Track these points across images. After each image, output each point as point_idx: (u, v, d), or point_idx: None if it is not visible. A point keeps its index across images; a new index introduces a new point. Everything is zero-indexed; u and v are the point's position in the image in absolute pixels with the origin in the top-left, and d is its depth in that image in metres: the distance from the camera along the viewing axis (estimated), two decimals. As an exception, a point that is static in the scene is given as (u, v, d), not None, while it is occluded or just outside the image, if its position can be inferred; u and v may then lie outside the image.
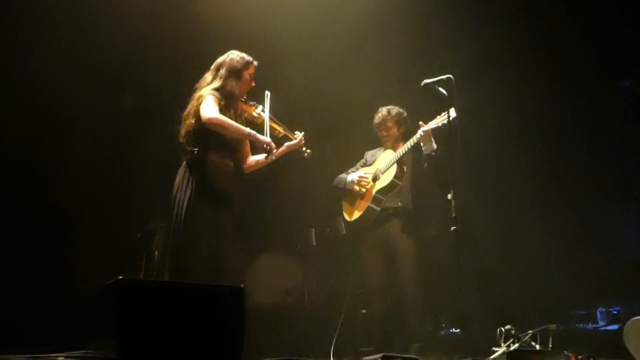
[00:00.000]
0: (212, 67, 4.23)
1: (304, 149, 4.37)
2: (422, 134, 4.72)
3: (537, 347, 4.04)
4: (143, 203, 5.45)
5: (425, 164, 4.82)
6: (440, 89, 4.39)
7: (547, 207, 5.98)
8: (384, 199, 4.91)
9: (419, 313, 4.79)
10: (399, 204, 4.91)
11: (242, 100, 4.25)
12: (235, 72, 4.16)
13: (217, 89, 4.09)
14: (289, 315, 5.61)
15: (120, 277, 2.66)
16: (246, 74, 4.20)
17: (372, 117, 5.21)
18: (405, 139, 5.07)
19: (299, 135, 4.35)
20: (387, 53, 6.07)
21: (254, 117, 4.28)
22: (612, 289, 5.75)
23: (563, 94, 6.15)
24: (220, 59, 4.22)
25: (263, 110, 4.28)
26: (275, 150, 4.15)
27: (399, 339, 4.78)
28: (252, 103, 4.30)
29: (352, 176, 5.12)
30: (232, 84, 4.14)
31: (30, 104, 5.07)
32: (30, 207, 4.96)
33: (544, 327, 4.13)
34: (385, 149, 5.13)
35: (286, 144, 4.34)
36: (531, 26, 6.11)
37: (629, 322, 4.11)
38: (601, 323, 5.71)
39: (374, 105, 5.27)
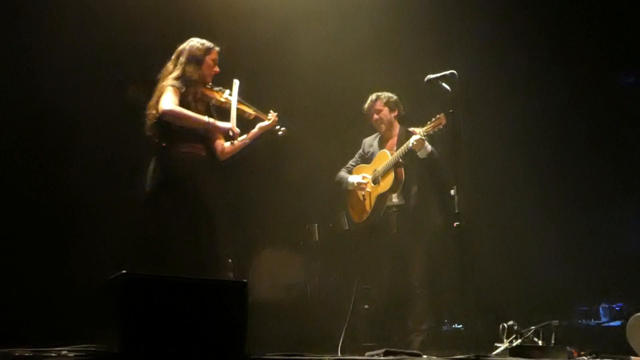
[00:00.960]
0: (173, 55, 4.21)
1: (277, 127, 4.35)
2: (415, 142, 4.71)
3: (540, 343, 4.04)
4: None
5: (420, 162, 4.81)
6: (444, 84, 4.39)
7: (551, 203, 5.98)
8: (387, 200, 4.93)
9: (422, 309, 4.80)
10: (403, 201, 4.91)
11: (207, 87, 4.22)
12: (195, 59, 4.15)
13: (177, 78, 4.08)
14: (292, 310, 5.62)
15: (124, 271, 2.66)
16: (208, 60, 4.19)
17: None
18: (400, 123, 5.07)
19: (272, 116, 4.34)
20: (391, 48, 6.06)
21: (222, 102, 4.25)
22: (615, 285, 5.74)
23: (567, 90, 6.13)
24: (180, 47, 4.22)
25: (230, 94, 4.25)
26: (239, 136, 4.14)
27: (402, 334, 4.79)
28: (218, 88, 4.26)
29: (352, 179, 5.15)
30: (192, 70, 4.11)
31: (34, 99, 5.06)
32: (34, 202, 4.97)
33: (547, 323, 4.13)
34: (382, 137, 5.13)
35: (258, 125, 4.34)
36: (535, 22, 6.09)
37: (631, 318, 4.11)
38: (604, 319, 5.71)
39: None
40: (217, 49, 4.24)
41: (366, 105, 5.16)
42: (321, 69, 5.94)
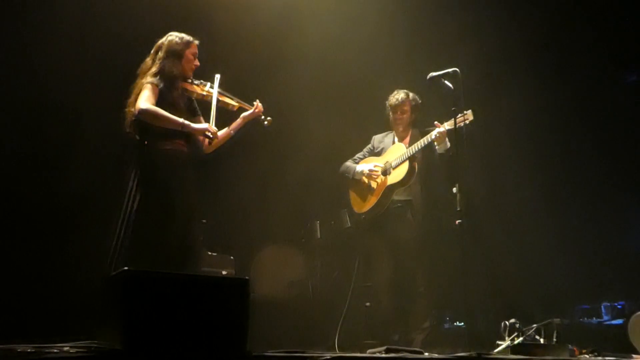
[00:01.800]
0: (152, 50, 4.16)
1: (262, 117, 4.30)
2: (438, 135, 4.68)
3: (542, 341, 4.04)
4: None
5: (436, 156, 4.79)
6: (446, 82, 4.39)
7: (553, 201, 5.97)
8: (393, 193, 4.91)
9: (424, 306, 4.80)
10: (408, 197, 4.90)
11: (188, 82, 4.17)
12: (174, 53, 4.08)
13: (155, 74, 4.01)
14: (293, 307, 5.62)
15: (125, 268, 2.66)
16: (188, 54, 4.12)
17: (376, 108, 5.20)
18: (414, 126, 5.06)
19: (256, 104, 4.27)
20: (393, 45, 6.05)
21: (204, 95, 4.20)
22: (617, 283, 5.73)
23: (569, 87, 6.12)
24: (159, 41, 4.16)
25: (212, 87, 4.20)
26: (216, 134, 4.06)
27: (403, 332, 4.79)
28: (198, 82, 4.20)
29: (361, 167, 5.10)
30: (170, 65, 4.04)
31: (34, 97, 5.06)
32: (35, 198, 4.96)
33: (548, 321, 4.12)
34: (395, 133, 5.11)
35: (242, 115, 4.28)
36: (538, 20, 6.08)
37: (633, 317, 4.12)
38: (605, 317, 5.70)
39: (380, 94, 5.25)
40: (196, 42, 4.17)
41: (394, 101, 5.08)
42: (324, 66, 5.94)
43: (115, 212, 5.06)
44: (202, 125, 4.07)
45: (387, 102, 5.14)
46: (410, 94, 5.07)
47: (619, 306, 5.67)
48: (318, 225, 6.02)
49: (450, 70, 4.37)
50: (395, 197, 4.91)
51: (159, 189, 3.91)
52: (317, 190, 6.08)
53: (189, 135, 4.08)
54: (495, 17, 6.03)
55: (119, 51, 5.30)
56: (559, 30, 6.07)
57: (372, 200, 4.98)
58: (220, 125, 4.18)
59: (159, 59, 4.06)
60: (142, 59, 4.68)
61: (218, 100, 4.14)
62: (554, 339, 4.05)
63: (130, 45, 5.29)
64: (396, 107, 5.07)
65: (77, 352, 2.65)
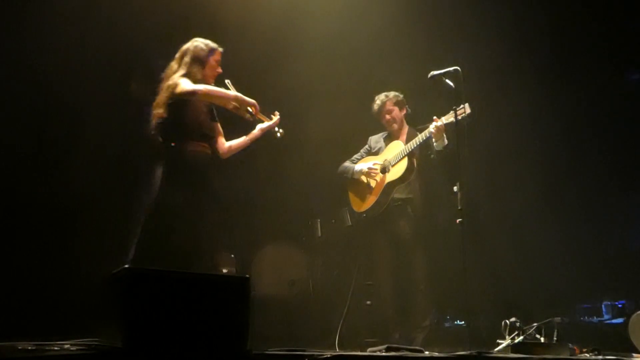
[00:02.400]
0: (177, 55, 4.23)
1: (276, 129, 4.40)
2: (434, 130, 4.68)
3: (542, 339, 4.03)
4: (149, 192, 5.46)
5: (433, 156, 4.80)
6: (448, 80, 4.38)
7: (554, 200, 5.97)
8: (393, 191, 4.90)
9: (424, 305, 4.80)
10: (409, 195, 4.90)
11: None
12: (199, 59, 4.17)
13: (183, 76, 4.10)
14: (294, 305, 5.63)
15: (127, 266, 2.67)
16: (212, 60, 4.21)
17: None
18: (409, 123, 5.06)
19: (274, 117, 4.39)
20: (394, 44, 6.04)
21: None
22: (618, 282, 5.74)
23: (571, 86, 6.11)
24: (184, 47, 4.24)
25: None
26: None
27: (404, 330, 4.79)
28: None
29: (360, 166, 5.10)
30: (195, 70, 4.14)
31: (36, 95, 5.07)
32: (37, 197, 4.97)
33: (549, 319, 4.12)
34: (390, 135, 5.12)
35: (259, 126, 4.39)
36: (539, 18, 6.07)
37: (634, 316, 4.11)
38: (606, 316, 5.71)
39: (380, 92, 5.25)
40: (220, 49, 4.27)
41: (376, 107, 5.13)
42: (325, 64, 5.93)
43: (114, 211, 5.10)
44: (250, 99, 4.15)
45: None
46: (390, 94, 5.11)
47: (619, 305, 5.68)
48: (319, 223, 6.02)
49: (451, 69, 4.37)
50: (396, 195, 4.91)
51: (190, 189, 4.00)
52: (318, 189, 6.08)
53: (210, 139, 4.23)
54: (496, 15, 6.01)
55: (120, 50, 5.32)
56: (561, 29, 6.06)
57: (372, 199, 4.98)
58: (229, 131, 4.34)
59: (185, 64, 4.16)
60: (143, 59, 4.72)
61: (238, 109, 4.21)
62: (555, 338, 4.05)
63: (132, 44, 5.31)
64: (380, 111, 5.12)
65: (78, 349, 2.66)
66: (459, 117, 4.44)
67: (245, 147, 4.41)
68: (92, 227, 5.06)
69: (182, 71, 4.13)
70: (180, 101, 4.04)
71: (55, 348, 2.68)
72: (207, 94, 4.05)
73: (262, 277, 5.60)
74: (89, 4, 5.16)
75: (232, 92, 4.12)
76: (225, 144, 4.37)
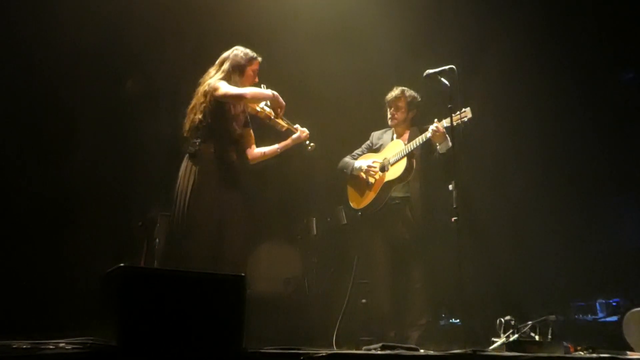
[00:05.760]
0: (217, 62, 4.28)
1: (307, 142, 4.45)
2: (434, 131, 4.66)
3: (537, 338, 4.05)
4: (144, 191, 5.46)
5: (437, 155, 4.78)
6: (443, 79, 4.39)
7: (549, 198, 5.98)
8: (391, 190, 4.91)
9: (420, 303, 4.81)
10: (406, 194, 4.90)
11: None
12: (238, 68, 4.22)
13: (221, 79, 4.16)
14: (289, 304, 5.62)
15: (122, 264, 2.66)
16: (249, 70, 4.25)
17: (374, 105, 5.20)
18: (413, 124, 5.05)
19: (303, 130, 4.44)
20: (393, 41, 6.04)
21: (257, 111, 4.36)
22: (612, 280, 5.76)
23: (564, 86, 6.13)
24: (224, 54, 4.28)
25: (267, 105, 4.35)
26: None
27: (399, 328, 4.79)
28: None
29: (359, 163, 5.10)
30: (235, 79, 4.19)
31: (32, 92, 5.06)
32: (32, 195, 4.97)
33: (544, 318, 4.13)
34: (393, 132, 5.12)
35: (292, 137, 4.44)
36: (535, 17, 6.08)
37: (628, 314, 4.14)
38: (600, 314, 5.73)
39: (379, 91, 5.25)
40: (259, 59, 4.31)
41: (389, 97, 5.08)
42: (321, 62, 5.92)
43: (109, 210, 5.09)
44: (269, 91, 4.21)
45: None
46: (408, 92, 5.06)
47: (613, 303, 5.70)
48: (314, 222, 6.00)
49: (446, 67, 4.37)
50: (394, 194, 4.91)
51: (210, 190, 4.05)
52: (313, 187, 6.08)
53: (238, 145, 4.31)
54: (492, 14, 6.02)
55: (118, 47, 5.31)
56: (555, 29, 6.07)
57: (370, 196, 4.98)
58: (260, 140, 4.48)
59: (223, 71, 4.20)
60: (142, 58, 4.72)
61: (269, 119, 4.34)
62: (549, 336, 4.06)
63: (131, 44, 5.30)
64: (391, 103, 5.08)
65: (73, 348, 2.65)
66: (460, 121, 4.45)
67: (275, 155, 4.49)
68: (87, 226, 5.06)
69: (220, 76, 4.17)
70: (219, 106, 4.08)
71: (50, 347, 2.67)
72: (254, 97, 4.13)
73: (257, 276, 5.59)
74: (85, 2, 5.15)
75: (269, 91, 4.18)
76: (256, 150, 4.45)
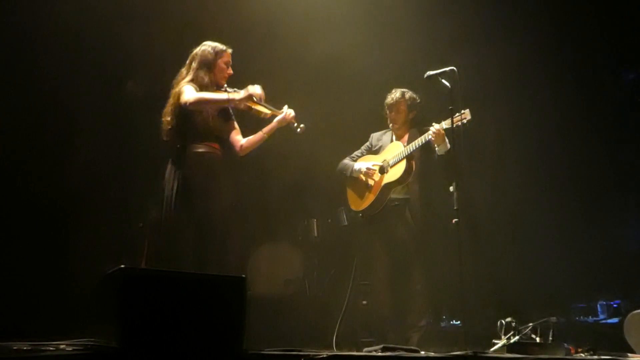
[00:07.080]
0: (188, 60, 4.23)
1: (295, 124, 4.33)
2: (434, 133, 4.67)
3: (538, 339, 4.05)
4: (145, 192, 5.45)
5: (435, 156, 4.78)
6: (444, 80, 4.39)
7: (549, 200, 5.98)
8: (390, 191, 4.90)
9: (420, 305, 4.80)
10: (406, 195, 4.90)
11: (222, 90, 4.21)
12: (206, 63, 4.16)
13: (190, 81, 4.10)
14: (290, 305, 5.62)
15: (122, 266, 2.66)
16: (220, 63, 4.20)
17: (374, 106, 5.20)
18: (413, 125, 5.05)
19: (289, 111, 4.32)
20: (393, 42, 6.04)
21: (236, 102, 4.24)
22: (613, 282, 5.75)
23: (565, 87, 6.12)
24: (193, 51, 4.23)
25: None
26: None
27: (400, 330, 4.79)
28: (232, 90, 4.24)
29: (359, 165, 5.10)
30: (203, 75, 4.13)
31: (33, 93, 5.06)
32: (33, 196, 4.96)
33: (545, 319, 4.14)
34: (392, 132, 5.11)
35: (276, 119, 4.31)
36: (536, 18, 6.07)
37: (629, 315, 4.13)
38: (601, 316, 5.72)
39: (378, 92, 5.25)
40: (229, 51, 4.25)
41: (389, 100, 5.08)
42: (321, 63, 5.92)
43: (109, 211, 5.09)
44: (242, 92, 4.10)
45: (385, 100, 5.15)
46: (407, 93, 5.06)
47: (614, 305, 5.69)
48: (315, 223, 6.01)
49: (447, 69, 4.37)
50: (393, 196, 4.91)
51: (197, 192, 4.00)
52: (314, 189, 6.07)
53: (222, 139, 4.22)
54: (493, 15, 6.02)
55: (118, 49, 5.30)
56: (557, 30, 6.07)
57: (370, 198, 4.98)
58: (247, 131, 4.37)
59: (192, 69, 4.16)
60: (143, 59, 4.72)
61: (250, 108, 4.21)
62: (550, 338, 4.06)
63: (129, 44, 5.30)
64: (391, 106, 5.08)
65: (73, 349, 2.65)
66: (460, 123, 4.45)
67: (262, 141, 4.35)
68: (88, 227, 5.06)
69: (189, 77, 4.13)
70: (186, 109, 4.03)
71: (51, 348, 2.67)
72: (197, 103, 4.00)
73: (258, 277, 5.59)
74: (87, 7, 5.16)
75: (225, 95, 4.08)
76: (240, 141, 4.32)
